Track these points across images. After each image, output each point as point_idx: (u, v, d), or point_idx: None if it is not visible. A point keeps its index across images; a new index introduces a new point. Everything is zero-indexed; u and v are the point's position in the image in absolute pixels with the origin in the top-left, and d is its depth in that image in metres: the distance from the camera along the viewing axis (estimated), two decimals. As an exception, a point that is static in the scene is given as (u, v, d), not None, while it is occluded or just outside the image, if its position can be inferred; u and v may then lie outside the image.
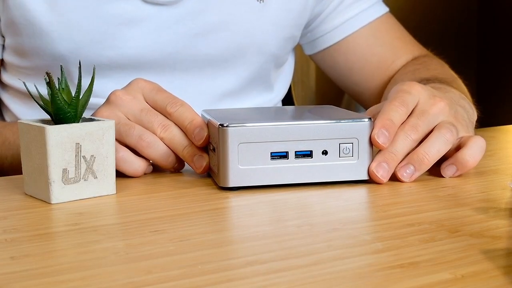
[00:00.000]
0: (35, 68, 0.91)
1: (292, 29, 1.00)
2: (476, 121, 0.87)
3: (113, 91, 0.72)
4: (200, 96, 0.95)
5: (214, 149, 0.67)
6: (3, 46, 0.94)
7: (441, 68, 1.00)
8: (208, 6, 0.93)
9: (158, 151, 0.70)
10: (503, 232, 0.52)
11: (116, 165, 0.66)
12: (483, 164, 0.76)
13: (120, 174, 0.70)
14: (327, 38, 1.04)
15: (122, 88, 0.73)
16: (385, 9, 1.06)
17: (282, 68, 1.06)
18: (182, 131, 0.70)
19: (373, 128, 0.67)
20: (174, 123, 0.70)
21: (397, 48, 1.04)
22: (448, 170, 0.70)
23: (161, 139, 0.70)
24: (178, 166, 0.72)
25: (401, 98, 0.69)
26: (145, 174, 0.72)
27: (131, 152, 0.70)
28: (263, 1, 0.95)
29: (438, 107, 0.70)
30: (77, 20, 0.88)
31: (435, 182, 0.69)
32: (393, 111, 0.68)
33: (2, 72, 0.97)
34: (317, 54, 1.06)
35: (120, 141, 0.70)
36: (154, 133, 0.70)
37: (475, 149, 0.69)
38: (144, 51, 0.91)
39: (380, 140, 0.66)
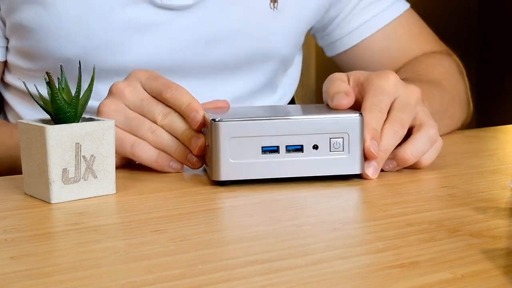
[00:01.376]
0: (41, 70, 0.90)
1: (302, 35, 1.01)
2: (476, 121, 0.87)
3: (114, 83, 0.74)
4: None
5: (208, 145, 0.68)
6: (7, 48, 0.94)
7: (433, 68, 0.99)
8: (221, 14, 0.92)
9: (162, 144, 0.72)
10: (503, 232, 0.52)
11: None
12: (483, 164, 0.76)
13: (120, 174, 0.70)
14: (343, 42, 1.04)
15: (122, 80, 0.74)
16: (404, 6, 1.05)
17: (288, 71, 1.06)
18: (181, 115, 0.72)
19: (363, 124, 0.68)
20: (173, 109, 0.72)
21: (412, 49, 1.04)
22: (387, 164, 0.72)
23: (162, 126, 0.72)
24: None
25: (379, 106, 0.71)
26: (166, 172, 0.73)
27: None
28: (276, 9, 0.95)
29: (417, 96, 0.73)
30: (87, 25, 0.88)
31: (435, 182, 0.69)
32: (375, 119, 0.70)
33: (5, 72, 0.97)
34: (336, 57, 1.07)
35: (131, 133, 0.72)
36: (155, 121, 0.72)
37: (418, 145, 0.71)
38: (153, 58, 0.91)
39: (375, 150, 0.69)
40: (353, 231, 0.54)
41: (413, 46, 1.05)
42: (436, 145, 0.73)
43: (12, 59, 0.93)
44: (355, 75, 0.75)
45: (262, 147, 0.67)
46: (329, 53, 1.07)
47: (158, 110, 0.72)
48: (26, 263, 0.47)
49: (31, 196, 0.64)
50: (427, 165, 0.72)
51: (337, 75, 0.75)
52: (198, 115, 0.70)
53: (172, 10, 0.90)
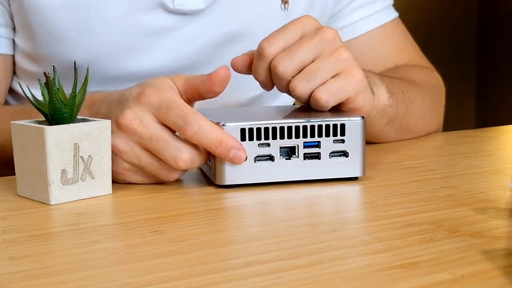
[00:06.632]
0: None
1: None
2: (476, 121, 0.87)
3: (122, 114, 0.65)
4: (223, 106, 0.94)
5: None
6: (13, 41, 0.91)
7: (413, 73, 0.97)
8: (232, 16, 0.91)
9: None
10: (502, 232, 0.52)
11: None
12: (483, 164, 0.76)
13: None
14: None
15: (128, 108, 0.66)
16: (391, 15, 1.03)
17: None
18: (196, 146, 0.66)
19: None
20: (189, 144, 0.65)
21: (392, 61, 1.02)
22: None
23: (179, 168, 0.65)
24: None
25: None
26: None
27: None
28: (287, 10, 0.94)
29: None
30: (96, 30, 0.86)
31: (435, 182, 0.69)
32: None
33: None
34: None
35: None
36: (168, 163, 0.65)
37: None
38: (164, 63, 0.90)
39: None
40: (352, 232, 0.54)
41: (394, 58, 1.02)
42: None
43: (20, 61, 0.92)
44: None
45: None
46: None
47: (169, 152, 0.65)
48: (25, 264, 0.47)
49: (25, 198, 0.64)
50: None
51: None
52: (239, 152, 0.65)
53: (184, 15, 0.89)
